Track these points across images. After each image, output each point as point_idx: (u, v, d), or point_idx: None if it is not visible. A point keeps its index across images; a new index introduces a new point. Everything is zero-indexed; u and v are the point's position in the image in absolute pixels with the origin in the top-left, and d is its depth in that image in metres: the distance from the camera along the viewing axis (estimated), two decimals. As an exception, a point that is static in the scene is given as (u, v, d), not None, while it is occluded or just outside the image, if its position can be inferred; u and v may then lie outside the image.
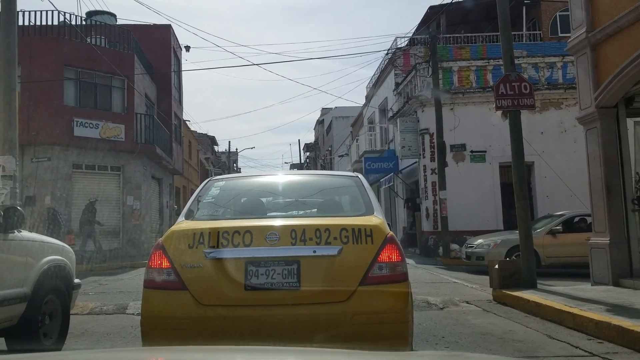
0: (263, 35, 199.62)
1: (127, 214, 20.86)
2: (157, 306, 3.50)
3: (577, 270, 11.97)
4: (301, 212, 4.25)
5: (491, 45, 22.85)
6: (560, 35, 24.57)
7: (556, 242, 13.04)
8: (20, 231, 4.82)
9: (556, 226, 13.36)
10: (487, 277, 8.97)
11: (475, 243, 14.15)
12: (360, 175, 4.70)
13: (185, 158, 32.40)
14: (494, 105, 9.30)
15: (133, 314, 7.29)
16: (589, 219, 13.59)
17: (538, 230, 13.38)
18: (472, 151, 19.48)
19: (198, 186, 4.64)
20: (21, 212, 4.71)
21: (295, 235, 3.51)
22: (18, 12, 10.69)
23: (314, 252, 3.48)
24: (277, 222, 3.70)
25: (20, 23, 17.02)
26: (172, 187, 28.86)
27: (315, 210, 4.31)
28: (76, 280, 5.63)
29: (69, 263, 5.44)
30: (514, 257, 12.75)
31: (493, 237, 14.12)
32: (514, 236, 13.67)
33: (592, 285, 9.00)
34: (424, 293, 8.87)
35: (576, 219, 13.70)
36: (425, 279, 11.56)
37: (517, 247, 12.83)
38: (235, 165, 66.06)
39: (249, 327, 3.39)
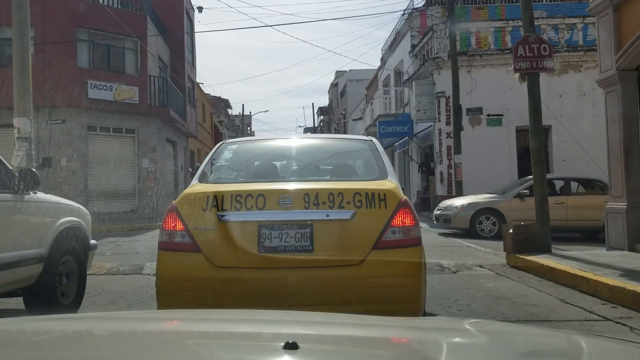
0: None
1: (142, 176, 21.00)
2: (171, 268, 3.54)
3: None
4: (314, 176, 4.23)
5: (510, 5, 22.27)
6: (581, -5, 23.87)
7: (523, 205, 13.03)
8: (36, 193, 4.86)
9: (524, 189, 13.34)
10: (501, 242, 8.95)
11: (444, 205, 14.24)
12: (374, 139, 4.65)
13: (199, 121, 32.39)
14: (512, 68, 9.11)
15: (149, 274, 7.38)
16: (557, 183, 13.74)
17: (507, 193, 13.47)
18: (488, 115, 19.24)
19: (212, 149, 4.63)
20: (37, 174, 4.74)
21: (309, 199, 3.50)
22: (29, -28, 10.57)
23: (327, 216, 3.47)
24: (290, 186, 3.68)
25: (32, -17, 16.86)
26: (186, 150, 28.95)
27: (329, 174, 4.28)
28: (92, 241, 5.69)
29: (84, 224, 5.49)
30: (481, 218, 12.95)
31: (461, 200, 14.16)
32: (481, 199, 13.81)
33: (607, 250, 8.95)
34: (437, 256, 8.89)
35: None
36: (439, 243, 11.58)
37: (484, 210, 13.40)
38: (249, 128, 66.02)
39: (262, 289, 3.41)
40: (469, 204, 13.62)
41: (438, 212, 14.18)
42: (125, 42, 20.68)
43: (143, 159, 21.08)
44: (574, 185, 13.99)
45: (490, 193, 14.42)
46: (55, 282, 4.91)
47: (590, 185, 13.96)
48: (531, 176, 14.18)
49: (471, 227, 13.28)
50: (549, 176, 14.05)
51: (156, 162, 21.66)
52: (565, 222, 12.60)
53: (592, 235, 12.97)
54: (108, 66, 20.36)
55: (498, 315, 5.09)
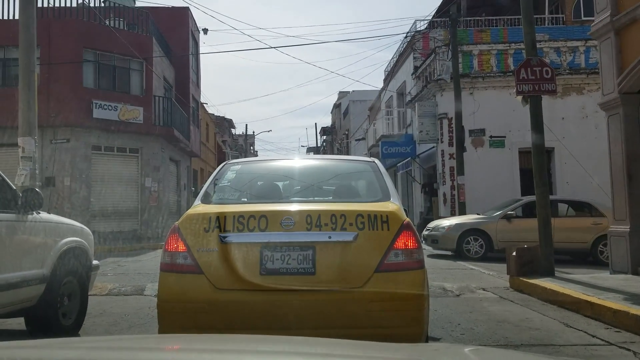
0: (282, 16, 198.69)
1: (145, 195, 21.03)
2: (173, 289, 3.52)
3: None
4: (317, 197, 4.23)
5: (513, 28, 22.45)
6: (583, 19, 24.04)
7: (510, 226, 13.12)
8: (39, 212, 4.87)
9: (511, 211, 13.34)
10: (505, 265, 8.91)
11: (432, 226, 14.22)
12: (376, 161, 4.66)
13: (202, 140, 32.51)
14: (515, 90, 9.16)
15: (151, 295, 7.36)
16: None
17: (494, 214, 13.47)
18: (491, 136, 19.27)
19: (215, 169, 4.64)
20: (40, 194, 4.75)
21: (311, 220, 3.50)
22: (37, -6, 10.74)
23: (330, 237, 3.47)
24: (293, 207, 3.68)
25: (39, 4, 17.15)
26: (189, 170, 29.02)
27: (331, 195, 4.28)
28: (95, 262, 5.69)
29: (87, 244, 5.49)
30: (468, 239, 13.15)
31: (448, 221, 14.15)
32: (467, 220, 13.82)
33: (610, 273, 8.89)
34: (440, 279, 8.84)
35: (531, 204, 13.73)
36: (442, 265, 11.52)
37: (470, 231, 13.40)
38: (252, 148, 66.21)
39: (264, 312, 3.39)
40: (456, 224, 13.60)
41: (426, 233, 14.16)
42: (131, 62, 20.86)
43: (146, 179, 21.12)
44: (562, 207, 13.95)
45: (479, 214, 14.45)
46: (56, 303, 4.89)
47: (579, 208, 13.95)
48: (520, 197, 14.31)
49: (458, 247, 13.25)
50: (533, 198, 14.09)
51: (159, 181, 21.70)
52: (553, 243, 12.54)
53: (583, 258, 12.93)
54: (113, 86, 20.52)
55: (501, 340, 5.05)
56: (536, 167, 8.98)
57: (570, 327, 5.61)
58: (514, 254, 8.35)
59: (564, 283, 7.53)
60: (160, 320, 3.55)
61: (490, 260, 12.69)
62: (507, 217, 13.27)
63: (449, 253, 13.70)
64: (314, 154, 56.43)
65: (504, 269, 8.97)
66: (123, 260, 13.03)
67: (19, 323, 5.11)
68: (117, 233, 19.05)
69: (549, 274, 8.33)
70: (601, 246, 12.68)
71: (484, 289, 8.10)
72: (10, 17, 18.80)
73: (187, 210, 3.88)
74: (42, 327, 4.86)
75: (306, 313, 3.39)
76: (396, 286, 3.42)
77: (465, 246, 13.20)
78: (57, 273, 4.86)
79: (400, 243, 3.49)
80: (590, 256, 12.90)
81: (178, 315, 3.46)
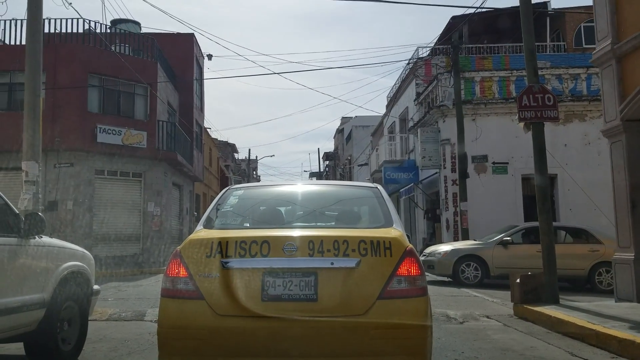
0: (285, 43, 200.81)
1: (147, 220, 21.01)
2: (173, 315, 3.48)
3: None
4: (320, 223, 4.21)
5: (514, 55, 22.64)
6: (584, 46, 24.29)
7: (506, 253, 13.11)
8: (41, 237, 4.86)
9: (507, 237, 13.29)
10: (509, 292, 8.83)
11: (428, 251, 14.20)
12: (379, 186, 4.65)
13: (205, 165, 32.61)
14: (517, 117, 9.19)
15: (151, 320, 7.31)
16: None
17: (490, 240, 13.45)
18: (494, 162, 19.29)
19: (218, 193, 4.64)
20: (42, 218, 4.74)
21: (313, 246, 3.48)
22: (44, 19, 10.89)
23: (332, 264, 3.44)
24: (295, 233, 3.67)
25: (46, 30, 17.37)
26: (192, 194, 29.04)
27: (334, 221, 4.27)
28: (95, 287, 5.65)
29: (88, 269, 5.46)
30: (464, 265, 12.93)
31: (445, 247, 14.12)
32: (463, 246, 13.80)
33: (615, 301, 8.81)
34: (444, 306, 8.76)
35: (528, 231, 13.73)
36: (445, 292, 11.43)
37: (466, 257, 13.39)
38: (255, 172, 66.32)
39: (266, 339, 3.35)
40: (452, 250, 13.58)
41: (423, 258, 14.10)
42: (136, 87, 21.04)
43: (149, 203, 21.13)
44: (560, 233, 13.89)
45: (475, 240, 14.42)
46: (56, 328, 4.85)
47: (576, 235, 13.92)
48: (517, 224, 14.28)
49: (454, 273, 13.20)
50: (532, 224, 14.08)
51: (162, 206, 21.70)
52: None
53: (581, 285, 12.85)
54: (117, 111, 20.67)
55: (506, 368, 4.97)
56: (539, 194, 8.95)
57: (576, 356, 5.54)
58: (518, 281, 8.29)
59: (569, 311, 7.45)
60: (160, 347, 3.51)
61: (487, 286, 12.68)
62: (503, 244, 13.26)
63: (446, 279, 13.63)
64: (316, 179, 56.57)
65: (508, 296, 8.89)
66: (124, 285, 12.96)
67: (18, 348, 5.06)
68: (119, 257, 18.99)
69: (554, 301, 8.25)
70: (599, 273, 12.62)
71: (487, 317, 8.02)
72: (17, 43, 19.04)
73: (189, 235, 3.87)
74: (41, 352, 4.82)
75: (308, 340, 3.35)
76: (399, 314, 3.38)
77: (462, 272, 13.14)
78: (58, 298, 4.83)
79: (403, 270, 3.46)
80: (587, 283, 12.82)
81: (178, 342, 3.41)
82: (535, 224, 14.12)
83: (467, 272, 13.16)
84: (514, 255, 13.02)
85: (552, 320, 7.07)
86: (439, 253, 13.63)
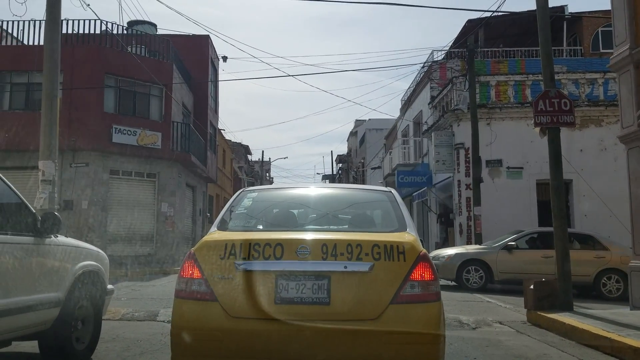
0: (300, 45, 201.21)
1: (161, 220, 21.14)
2: (187, 316, 3.50)
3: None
4: (333, 226, 4.21)
5: (530, 59, 22.51)
6: (602, 51, 24.05)
7: (511, 258, 13.02)
8: (57, 236, 4.90)
9: (512, 242, 13.19)
10: (521, 297, 8.77)
11: (432, 255, 14.14)
12: (393, 190, 4.64)
13: (219, 166, 32.74)
14: (533, 122, 9.13)
15: (164, 321, 7.34)
16: (548, 236, 13.54)
17: (494, 245, 13.36)
18: (508, 167, 19.17)
19: (231, 194, 4.67)
20: (59, 218, 4.79)
21: (327, 249, 3.47)
22: (62, 20, 11.00)
23: (345, 267, 3.44)
24: (309, 236, 3.67)
25: (64, 31, 17.56)
26: (205, 195, 29.16)
27: (347, 224, 4.26)
28: (109, 286, 5.69)
29: (102, 269, 5.50)
30: (468, 269, 13.11)
31: (449, 251, 14.05)
32: (467, 250, 13.72)
33: (631, 309, 8.71)
34: (456, 311, 8.72)
35: (534, 236, 13.59)
36: (458, 297, 11.36)
37: (470, 261, 13.33)
38: (268, 174, 66.47)
39: (278, 341, 3.35)
40: (456, 254, 13.52)
41: None
42: (151, 88, 21.19)
43: (162, 203, 21.26)
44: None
45: (481, 245, 14.35)
46: (70, 327, 4.88)
47: (582, 240, 13.74)
48: (522, 229, 14.16)
49: (458, 277, 13.13)
50: (537, 230, 13.96)
51: (175, 206, 21.82)
52: (554, 277, 12.26)
53: (587, 291, 12.70)
54: (133, 112, 20.82)
55: (519, 375, 4.93)
56: (554, 199, 8.88)
57: (590, 364, 5.48)
58: (532, 287, 8.22)
59: (583, 318, 7.38)
60: (173, 348, 3.53)
61: (490, 291, 12.67)
62: (508, 248, 13.18)
63: (450, 283, 13.57)
64: (329, 181, 56.55)
65: (521, 302, 8.82)
66: (137, 284, 13.04)
67: (32, 346, 5.11)
68: (132, 257, 19.12)
69: (568, 308, 8.17)
70: (604, 279, 12.48)
71: (500, 323, 7.96)
72: (35, 43, 19.26)
73: (202, 235, 3.89)
74: (55, 351, 4.85)
75: (320, 343, 3.35)
76: (412, 318, 3.37)
77: (465, 276, 13.08)
78: (72, 297, 4.87)
79: (416, 274, 3.45)
80: (593, 290, 12.68)
81: (191, 344, 3.43)
82: (541, 229, 14.10)
83: (470, 276, 13.11)
84: (519, 261, 12.96)
85: (566, 327, 7.01)
86: (443, 257, 13.59)
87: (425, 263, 3.51)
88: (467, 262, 13.21)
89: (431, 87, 24.15)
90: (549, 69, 9.20)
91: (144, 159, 20.57)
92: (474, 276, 13.09)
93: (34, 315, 4.43)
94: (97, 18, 28.92)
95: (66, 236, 5.35)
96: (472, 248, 14.17)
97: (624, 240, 12.00)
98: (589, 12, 25.11)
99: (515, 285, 12.78)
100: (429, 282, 3.47)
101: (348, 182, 55.26)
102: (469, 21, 23.87)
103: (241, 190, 4.80)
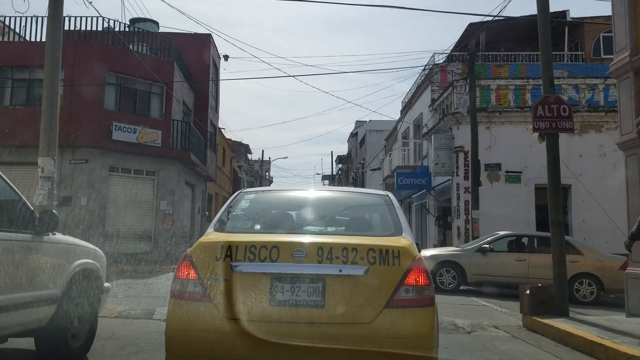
0: (301, 45, 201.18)
1: (159, 218, 21.15)
2: (181, 317, 3.51)
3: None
4: (329, 229, 4.23)
5: (531, 64, 22.52)
6: (603, 56, 24.06)
7: (484, 260, 13.11)
8: (55, 234, 4.92)
9: (486, 244, 13.24)
10: (517, 302, 8.78)
11: None
12: (390, 194, 4.65)
13: (218, 165, 32.74)
14: (532, 127, 9.14)
15: (160, 319, 7.34)
16: (523, 240, 13.56)
17: (469, 247, 13.41)
18: (507, 171, 19.21)
19: (230, 193, 4.69)
20: (56, 216, 4.80)
21: (322, 253, 3.49)
22: (64, 17, 11.01)
23: (340, 271, 3.45)
24: (305, 239, 3.68)
25: (66, 28, 17.56)
26: (204, 194, 29.16)
27: (344, 227, 4.28)
28: (106, 284, 5.70)
29: (99, 266, 5.52)
30: (442, 271, 13.20)
31: (426, 252, 14.11)
32: (443, 252, 13.78)
33: (626, 316, 8.72)
34: (452, 315, 8.72)
35: (508, 240, 13.65)
36: (454, 301, 11.38)
37: (446, 263, 13.42)
38: (267, 174, 66.48)
39: (272, 343, 3.37)
40: (431, 256, 13.56)
41: None
42: (152, 86, 21.21)
43: (161, 201, 21.26)
44: (541, 242, 13.59)
45: (457, 247, 14.41)
46: (67, 325, 4.90)
47: None
48: (498, 232, 14.16)
49: (433, 279, 13.03)
50: (511, 233, 13.96)
51: (174, 204, 21.83)
52: (527, 280, 11.93)
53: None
54: (133, 109, 20.84)
55: (512, 381, 4.95)
56: (552, 205, 8.90)
57: (584, 370, 5.49)
58: (528, 292, 8.24)
59: (578, 324, 7.40)
60: (167, 348, 3.54)
61: (464, 293, 12.81)
62: (482, 251, 13.27)
63: None
64: (329, 181, 56.58)
65: (516, 306, 8.85)
66: (134, 282, 13.05)
67: (28, 342, 5.12)
68: (130, 255, 19.10)
69: (563, 314, 8.19)
70: (577, 284, 12.49)
71: (496, 327, 7.98)
72: (37, 39, 19.27)
73: (200, 234, 3.91)
74: (51, 348, 4.87)
75: (314, 347, 3.36)
76: (406, 323, 3.39)
77: (439, 278, 13.10)
78: (69, 294, 4.88)
79: (411, 279, 3.47)
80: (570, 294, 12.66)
81: (186, 345, 3.44)
82: (516, 233, 14.14)
83: (444, 277, 13.19)
84: (492, 263, 13.08)
85: (561, 333, 7.02)
86: None
87: (420, 268, 3.53)
88: (441, 263, 13.28)
89: (432, 90, 24.18)
90: (549, 74, 9.22)
91: (144, 157, 20.57)
92: (447, 277, 13.19)
93: (31, 312, 4.44)
94: (99, 15, 28.94)
95: (63, 234, 5.37)
96: (447, 250, 14.32)
97: (622, 247, 12.01)
98: (591, 18, 25.13)
99: (489, 288, 13.03)
100: (424, 287, 3.49)
101: (347, 183, 55.32)
102: (471, 25, 23.88)
103: (239, 191, 4.81)
